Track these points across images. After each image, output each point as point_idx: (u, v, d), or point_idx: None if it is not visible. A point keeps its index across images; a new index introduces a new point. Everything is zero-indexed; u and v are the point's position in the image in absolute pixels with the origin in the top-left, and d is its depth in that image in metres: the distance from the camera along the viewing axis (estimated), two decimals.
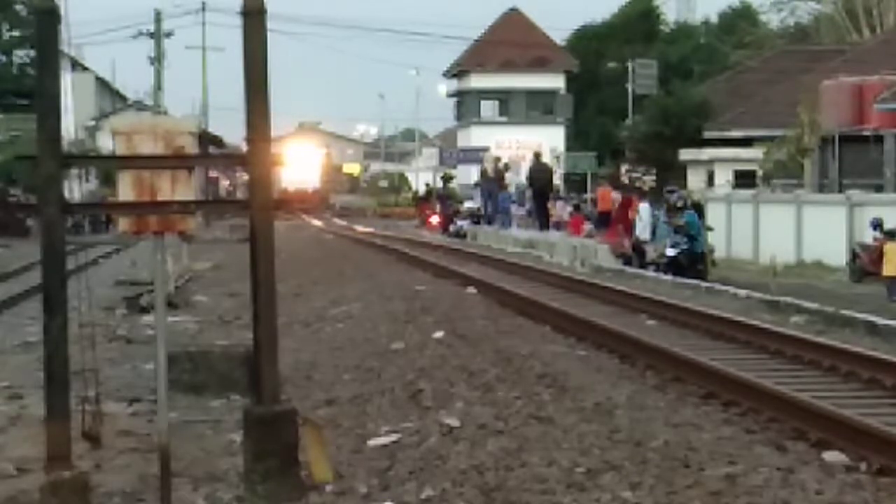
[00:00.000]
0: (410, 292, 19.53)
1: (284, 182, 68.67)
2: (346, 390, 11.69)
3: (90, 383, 9.04)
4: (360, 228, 50.91)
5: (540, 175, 40.92)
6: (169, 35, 62.18)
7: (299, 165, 69.26)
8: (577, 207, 40.26)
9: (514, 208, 45.12)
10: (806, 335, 14.39)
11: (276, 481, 7.98)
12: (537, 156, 43.14)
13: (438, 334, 14.05)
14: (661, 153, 54.24)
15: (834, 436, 9.12)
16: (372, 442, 9.42)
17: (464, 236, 43.47)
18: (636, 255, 28.63)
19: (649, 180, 49.65)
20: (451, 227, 47.07)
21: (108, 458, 9.29)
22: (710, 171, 51.33)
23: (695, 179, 50.55)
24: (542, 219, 39.78)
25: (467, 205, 50.65)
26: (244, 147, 8.39)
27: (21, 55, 69.97)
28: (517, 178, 52.12)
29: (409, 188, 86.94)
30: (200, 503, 8.25)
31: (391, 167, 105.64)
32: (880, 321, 15.71)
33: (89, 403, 9.08)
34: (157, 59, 60.28)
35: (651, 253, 28.01)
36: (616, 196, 35.38)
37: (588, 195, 49.28)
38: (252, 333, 8.44)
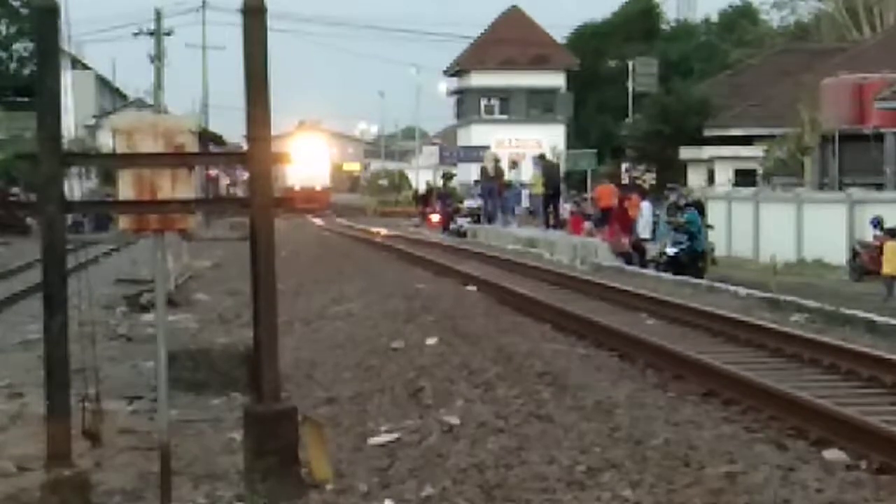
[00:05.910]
0: (411, 290, 19.52)
1: (290, 180, 67.70)
2: (347, 389, 11.68)
3: (90, 381, 9.03)
4: (360, 227, 50.89)
5: (553, 174, 41.06)
6: (169, 33, 62.17)
7: (307, 162, 66.68)
8: (577, 205, 40.24)
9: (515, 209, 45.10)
10: (806, 333, 14.38)
11: (277, 480, 7.97)
12: (542, 157, 43.35)
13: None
14: (662, 151, 54.24)
15: (834, 434, 9.12)
16: (372, 440, 9.42)
17: (464, 235, 43.45)
18: (636, 253, 28.64)
19: (650, 179, 49.63)
20: (452, 226, 47.05)
21: (109, 456, 9.29)
22: (711, 170, 51.32)
23: (695, 178, 50.54)
24: (549, 217, 39.70)
25: (467, 203, 50.62)
26: (245, 145, 8.38)
27: (19, 49, 69.93)
28: (519, 176, 52.11)
29: (410, 187, 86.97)
30: (201, 501, 8.25)
31: (391, 166, 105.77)
32: (880, 319, 15.72)
33: (90, 401, 9.07)
34: (158, 58, 60.22)
35: (651, 251, 28.02)
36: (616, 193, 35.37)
37: (588, 193, 49.26)
38: (252, 332, 8.44)
